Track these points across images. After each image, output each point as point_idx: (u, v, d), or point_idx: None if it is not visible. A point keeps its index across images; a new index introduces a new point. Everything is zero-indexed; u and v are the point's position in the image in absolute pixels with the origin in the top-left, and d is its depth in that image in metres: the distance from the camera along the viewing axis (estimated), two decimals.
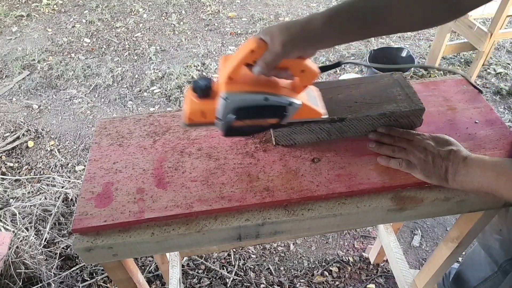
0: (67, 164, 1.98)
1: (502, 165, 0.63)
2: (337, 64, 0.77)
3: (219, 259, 1.57)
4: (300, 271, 1.54)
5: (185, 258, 1.57)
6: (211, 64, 2.61)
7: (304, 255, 1.59)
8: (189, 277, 1.52)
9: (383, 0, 0.63)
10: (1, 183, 1.84)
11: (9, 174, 1.92)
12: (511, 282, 0.92)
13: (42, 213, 1.65)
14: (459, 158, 0.67)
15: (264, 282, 1.50)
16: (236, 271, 1.53)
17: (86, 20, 3.14)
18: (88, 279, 1.49)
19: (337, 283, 1.49)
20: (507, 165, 0.63)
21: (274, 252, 1.60)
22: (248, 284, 1.49)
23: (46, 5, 3.33)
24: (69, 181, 1.85)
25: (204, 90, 0.67)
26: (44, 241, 1.56)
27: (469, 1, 0.64)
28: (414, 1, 0.62)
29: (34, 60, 2.70)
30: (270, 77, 0.69)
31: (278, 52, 0.61)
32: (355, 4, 0.63)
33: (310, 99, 0.75)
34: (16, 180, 1.87)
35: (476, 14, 2.14)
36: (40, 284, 1.43)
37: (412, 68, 2.43)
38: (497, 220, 1.00)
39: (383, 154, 0.76)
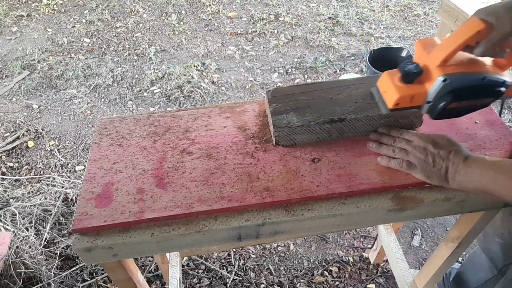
0: (67, 164, 1.98)
1: (501, 165, 0.63)
2: None
3: (219, 259, 1.57)
4: (300, 271, 1.54)
5: (185, 258, 1.57)
6: (211, 64, 2.61)
7: (304, 255, 1.59)
8: (189, 277, 1.52)
9: None
10: (1, 183, 1.84)
11: (9, 174, 1.92)
12: (505, 284, 0.92)
13: (42, 213, 1.65)
14: (459, 158, 0.67)
15: (264, 282, 1.50)
16: (236, 271, 1.53)
17: (86, 20, 3.13)
18: (88, 279, 1.49)
19: (337, 283, 1.49)
20: (506, 165, 0.63)
21: (274, 252, 1.60)
22: (248, 284, 1.49)
23: (46, 5, 3.33)
24: (69, 181, 1.85)
25: (416, 75, 0.68)
26: (44, 241, 1.56)
27: None
28: None
29: (34, 60, 2.70)
30: (484, 57, 0.68)
31: (507, 32, 0.62)
32: None
33: (510, 77, 0.74)
34: (16, 180, 1.87)
35: None
36: (40, 284, 1.43)
37: None
38: (500, 224, 1.00)
39: (383, 154, 0.76)
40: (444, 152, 0.69)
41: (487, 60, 0.70)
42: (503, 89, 0.69)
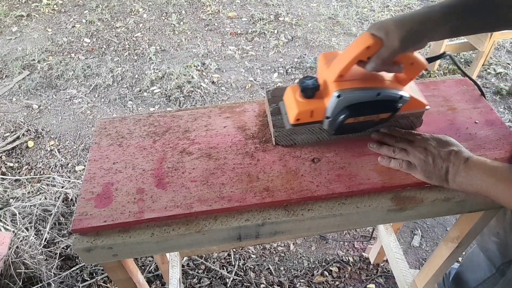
0: (67, 164, 1.98)
1: (502, 171, 0.63)
2: (442, 55, 0.77)
3: (219, 259, 1.57)
4: (300, 271, 1.54)
5: (185, 258, 1.57)
6: (211, 64, 2.61)
7: (304, 255, 1.59)
8: (189, 277, 1.52)
9: None
10: (1, 183, 1.84)
11: (9, 174, 1.92)
12: (505, 285, 0.92)
13: (42, 213, 1.65)
14: (460, 159, 0.67)
15: (264, 282, 1.50)
16: (236, 271, 1.53)
17: (86, 20, 3.13)
18: (88, 279, 1.49)
19: (337, 283, 1.49)
20: (507, 172, 0.63)
21: (274, 252, 1.60)
22: (248, 284, 1.49)
23: (46, 5, 3.33)
24: (69, 181, 1.85)
25: (313, 90, 0.68)
26: (44, 241, 1.56)
27: None
28: None
29: (34, 60, 2.70)
30: (378, 72, 0.69)
31: (395, 47, 0.62)
32: None
33: (413, 91, 0.74)
34: (16, 180, 1.87)
35: None
36: (40, 284, 1.43)
37: None
38: (495, 223, 1.00)
39: (383, 155, 0.76)
40: (444, 153, 0.69)
41: (387, 75, 0.71)
42: (400, 104, 0.70)
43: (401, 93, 0.69)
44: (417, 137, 0.74)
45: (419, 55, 0.69)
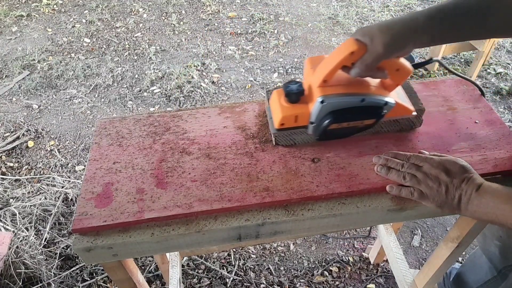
0: (67, 164, 1.98)
1: None
2: (429, 61, 0.76)
3: (219, 259, 1.57)
4: (300, 271, 1.54)
5: (185, 258, 1.57)
6: (211, 64, 2.61)
7: (304, 255, 1.59)
8: (189, 277, 1.52)
9: (486, 1, 0.62)
10: (1, 183, 1.84)
11: (9, 174, 1.92)
12: (507, 287, 0.92)
13: (42, 213, 1.65)
14: (472, 187, 0.64)
15: (264, 282, 1.50)
16: (236, 271, 1.53)
17: (86, 20, 3.13)
18: (88, 279, 1.49)
19: (337, 283, 1.49)
20: None
21: (274, 252, 1.60)
22: (248, 284, 1.49)
23: (46, 5, 3.33)
24: (69, 181, 1.85)
25: (298, 94, 0.68)
26: (44, 241, 1.56)
27: None
28: None
29: (34, 60, 2.70)
30: (362, 77, 0.68)
31: (379, 53, 0.61)
32: (460, 4, 0.63)
33: (399, 97, 0.74)
34: (16, 180, 1.87)
35: None
36: (40, 284, 1.43)
37: None
38: (498, 227, 0.99)
39: (392, 181, 0.72)
40: (457, 181, 0.65)
41: (373, 81, 0.70)
42: (384, 111, 0.69)
43: (387, 99, 0.69)
44: (426, 162, 0.69)
45: (405, 60, 0.68)
